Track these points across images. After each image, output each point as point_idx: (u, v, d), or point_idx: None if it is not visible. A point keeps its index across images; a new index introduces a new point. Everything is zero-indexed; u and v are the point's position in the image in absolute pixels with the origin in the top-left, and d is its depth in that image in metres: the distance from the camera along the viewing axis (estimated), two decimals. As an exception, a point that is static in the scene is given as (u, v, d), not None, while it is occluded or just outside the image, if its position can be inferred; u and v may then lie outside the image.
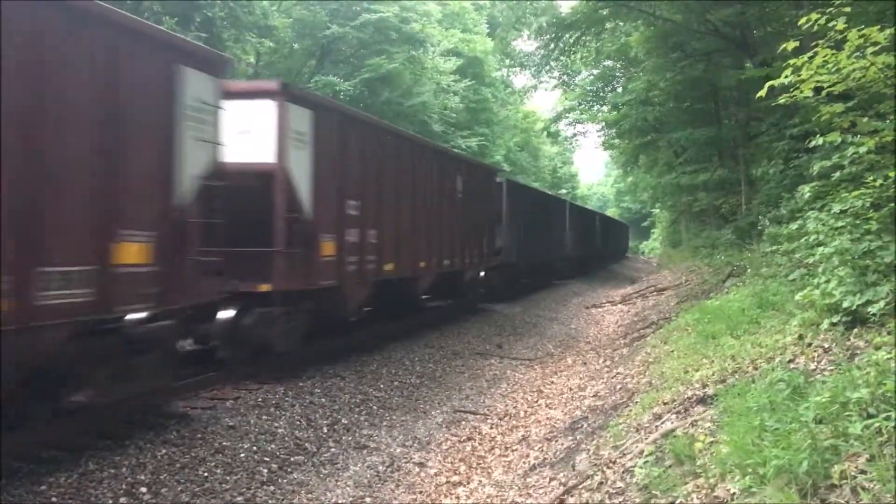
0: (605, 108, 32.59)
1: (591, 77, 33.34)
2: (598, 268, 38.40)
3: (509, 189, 20.67)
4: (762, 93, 6.53)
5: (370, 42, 24.72)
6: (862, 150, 6.06)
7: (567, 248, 30.07)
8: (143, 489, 5.57)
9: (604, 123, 32.35)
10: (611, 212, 75.02)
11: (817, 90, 6.61)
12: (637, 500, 4.29)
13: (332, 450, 7.26)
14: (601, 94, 33.29)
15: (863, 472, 3.20)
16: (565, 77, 32.32)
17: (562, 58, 24.90)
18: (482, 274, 18.60)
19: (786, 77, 6.32)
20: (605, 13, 19.38)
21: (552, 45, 22.17)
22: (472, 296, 18.35)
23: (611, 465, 5.24)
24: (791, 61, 6.31)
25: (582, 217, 36.01)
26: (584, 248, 34.32)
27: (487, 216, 18.17)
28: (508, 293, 20.45)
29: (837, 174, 6.74)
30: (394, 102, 25.01)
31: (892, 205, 5.84)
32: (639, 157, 33.68)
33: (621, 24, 20.90)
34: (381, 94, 24.40)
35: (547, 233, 25.96)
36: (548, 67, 28.22)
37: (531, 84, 34.26)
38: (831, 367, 4.80)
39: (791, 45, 6.54)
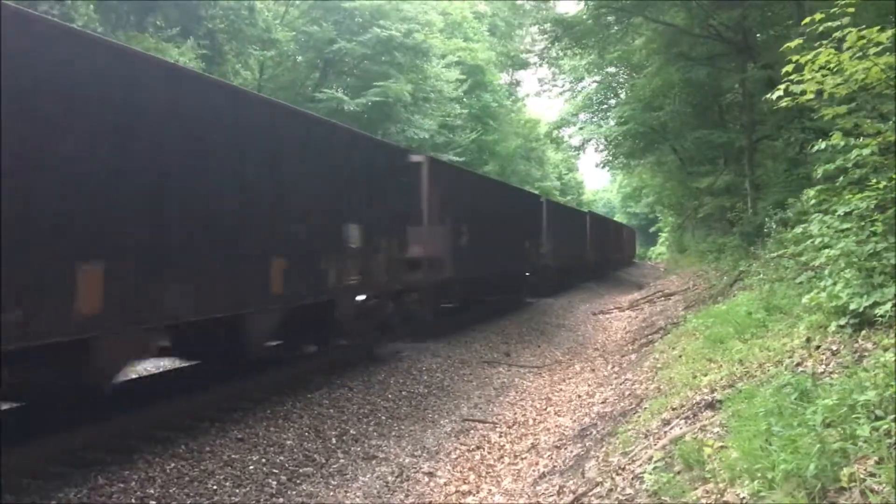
0: (609, 118, 32.09)
1: (595, 85, 33.30)
2: (599, 274, 36.04)
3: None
4: (776, 98, 6.38)
5: (373, 55, 24.76)
6: (865, 152, 6.04)
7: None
8: (153, 503, 5.59)
9: (606, 138, 31.41)
10: (617, 217, 74.92)
11: (819, 94, 6.58)
12: (646, 507, 4.28)
13: (341, 461, 7.26)
14: (604, 103, 33.13)
15: (872, 474, 3.18)
16: (568, 84, 32.32)
17: (564, 58, 24.89)
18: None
19: (788, 73, 6.24)
20: (610, 19, 19.39)
21: (553, 47, 22.22)
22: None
23: (620, 471, 5.22)
24: (794, 57, 6.24)
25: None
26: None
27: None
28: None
29: (842, 178, 6.71)
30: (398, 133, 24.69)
31: (896, 206, 5.82)
32: (642, 162, 33.58)
33: (624, 29, 20.91)
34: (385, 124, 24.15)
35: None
36: (551, 71, 28.20)
37: (535, 90, 34.13)
38: (839, 370, 4.78)
39: (795, 42, 6.47)
